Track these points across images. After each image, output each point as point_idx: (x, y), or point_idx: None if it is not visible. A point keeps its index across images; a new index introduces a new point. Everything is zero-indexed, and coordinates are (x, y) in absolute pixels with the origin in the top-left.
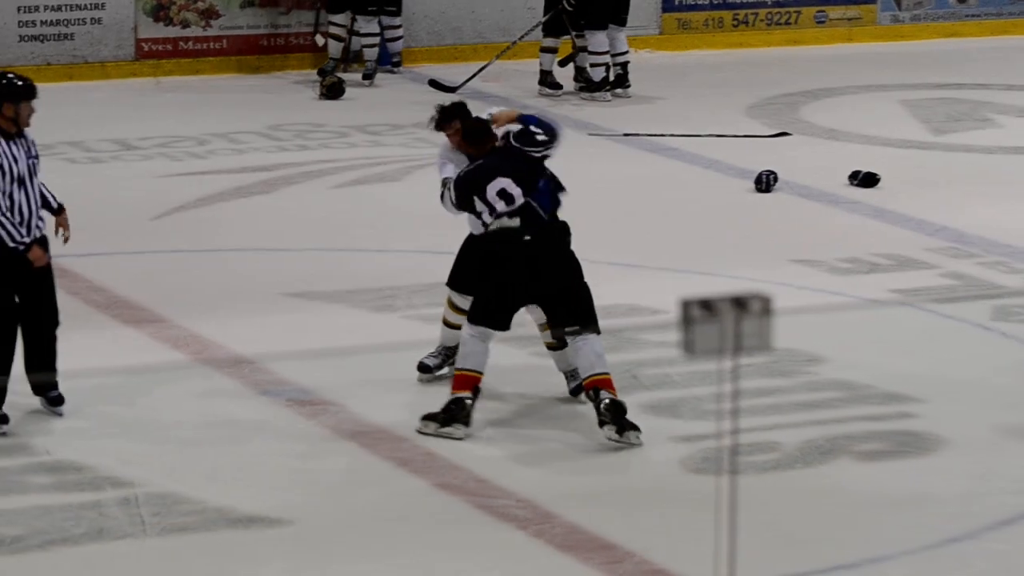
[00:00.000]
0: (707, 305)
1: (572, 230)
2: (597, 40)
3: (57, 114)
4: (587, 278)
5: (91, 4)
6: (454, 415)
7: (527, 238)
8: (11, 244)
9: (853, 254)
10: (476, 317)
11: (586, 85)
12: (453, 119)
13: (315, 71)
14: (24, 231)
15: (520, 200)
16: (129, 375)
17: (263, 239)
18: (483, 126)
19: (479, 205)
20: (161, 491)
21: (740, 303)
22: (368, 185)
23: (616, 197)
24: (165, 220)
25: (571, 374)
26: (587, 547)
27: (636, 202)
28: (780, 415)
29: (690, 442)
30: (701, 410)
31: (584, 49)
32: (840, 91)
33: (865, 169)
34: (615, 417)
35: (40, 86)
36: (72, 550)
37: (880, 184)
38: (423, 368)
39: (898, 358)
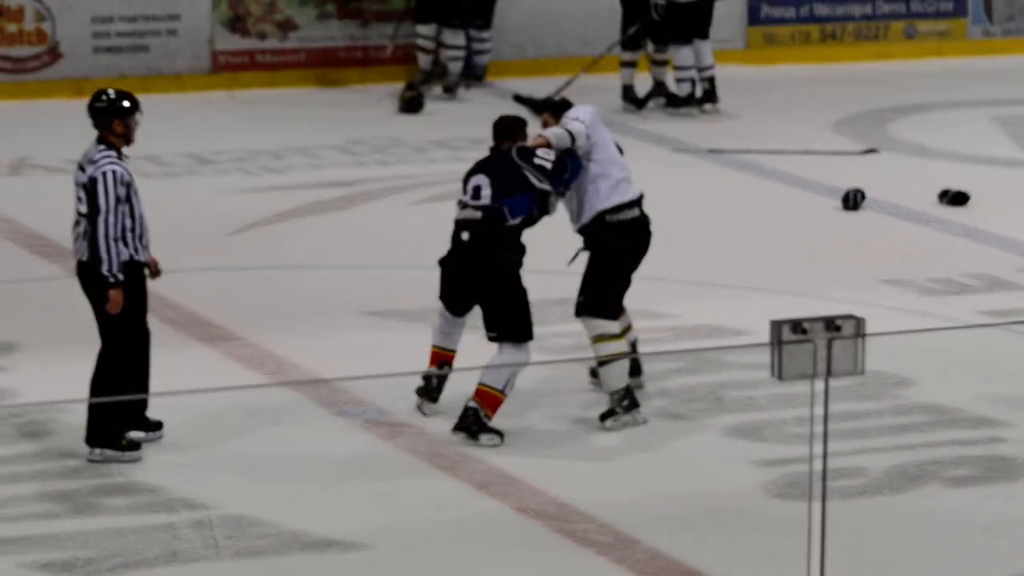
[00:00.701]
0: (799, 327)
1: (656, 247)
2: (682, 55)
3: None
4: (672, 299)
5: (167, 15)
6: (421, 390)
7: (464, 237)
8: (105, 272)
9: (943, 274)
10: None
11: (669, 100)
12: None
13: (397, 84)
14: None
15: (485, 200)
16: (204, 395)
17: (340, 256)
18: (506, 124)
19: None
20: (235, 513)
21: (832, 325)
22: (448, 201)
23: (700, 215)
24: (241, 236)
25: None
26: (670, 574)
27: (721, 220)
28: (868, 439)
29: (774, 466)
30: (786, 433)
31: (664, 63)
32: (930, 107)
33: (955, 187)
34: (463, 424)
35: None
36: (145, 573)
37: (970, 203)
38: None
39: (988, 381)
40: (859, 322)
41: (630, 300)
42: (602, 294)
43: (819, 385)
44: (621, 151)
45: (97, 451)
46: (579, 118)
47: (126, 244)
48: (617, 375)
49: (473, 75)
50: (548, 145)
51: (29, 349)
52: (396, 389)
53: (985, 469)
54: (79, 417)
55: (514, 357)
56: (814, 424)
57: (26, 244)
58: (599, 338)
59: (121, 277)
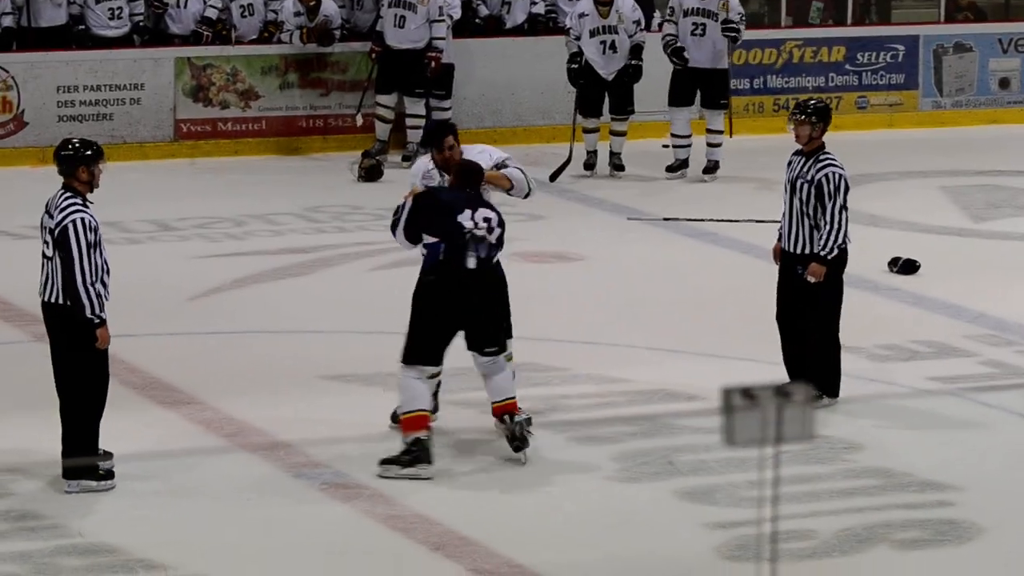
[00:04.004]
0: (749, 393)
1: (611, 313)
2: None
3: (95, 194)
4: (626, 363)
5: (130, 84)
6: (418, 456)
7: (472, 264)
8: (89, 315)
9: (892, 341)
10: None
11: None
12: (448, 135)
13: (357, 152)
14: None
15: (497, 234)
16: (164, 457)
17: (300, 321)
18: (476, 168)
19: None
20: (195, 573)
21: (782, 392)
22: (406, 267)
23: (654, 281)
24: (202, 301)
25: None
26: None
27: (674, 286)
28: (817, 502)
29: (726, 529)
30: (737, 496)
31: (619, 133)
32: (880, 177)
33: (905, 256)
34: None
35: None
36: None
37: (920, 271)
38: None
39: (937, 446)
40: (808, 390)
41: (584, 363)
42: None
43: (769, 450)
44: None
45: (75, 483)
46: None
47: (104, 285)
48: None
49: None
50: (510, 188)
51: None
52: (353, 452)
53: (934, 532)
54: (37, 479)
55: (510, 365)
56: (764, 488)
57: None
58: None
59: (104, 316)
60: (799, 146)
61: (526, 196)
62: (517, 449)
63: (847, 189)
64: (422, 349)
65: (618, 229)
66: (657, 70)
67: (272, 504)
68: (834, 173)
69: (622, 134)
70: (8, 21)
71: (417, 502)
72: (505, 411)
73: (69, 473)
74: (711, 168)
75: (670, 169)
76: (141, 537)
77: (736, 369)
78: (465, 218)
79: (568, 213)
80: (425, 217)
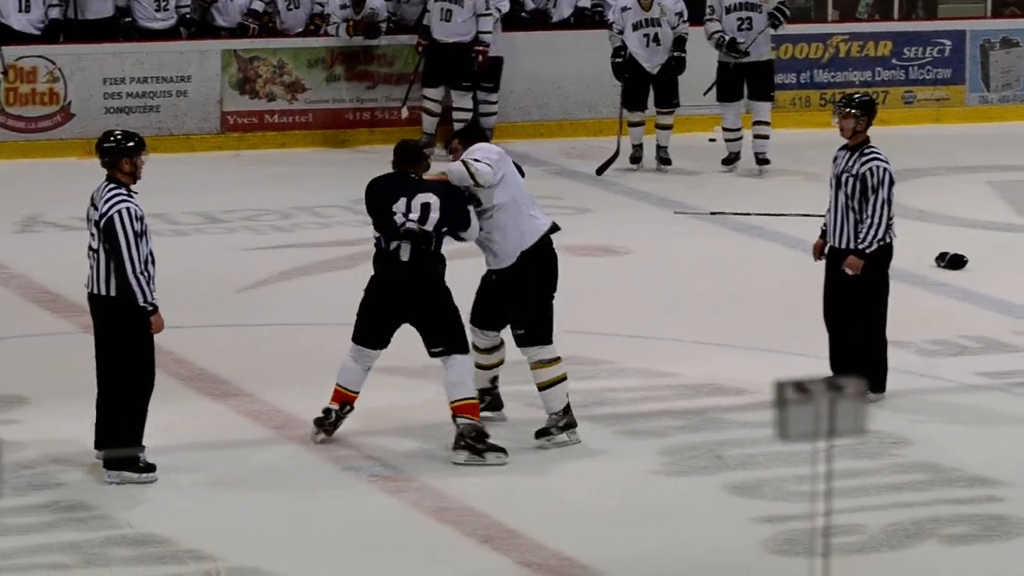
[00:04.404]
0: (801, 387)
1: (658, 306)
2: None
3: (141, 186)
4: (673, 357)
5: (177, 77)
6: (320, 421)
7: (405, 257)
8: (143, 304)
9: (940, 336)
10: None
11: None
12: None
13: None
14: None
15: (433, 223)
16: (211, 449)
17: (347, 314)
18: (414, 151)
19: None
20: (243, 565)
21: (835, 386)
22: (453, 260)
23: (700, 275)
24: (249, 293)
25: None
26: None
27: (720, 280)
28: (866, 497)
29: (773, 523)
30: (785, 491)
31: (665, 127)
32: (928, 172)
33: (952, 251)
34: (466, 444)
35: None
36: None
37: (968, 266)
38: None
39: (985, 441)
40: (861, 383)
41: (631, 357)
42: (535, 323)
43: (820, 445)
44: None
45: (115, 474)
46: (486, 159)
47: (150, 275)
48: (557, 397)
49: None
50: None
51: (39, 402)
52: (402, 444)
53: (982, 528)
54: (86, 470)
55: (466, 364)
56: (813, 483)
57: (36, 300)
58: (538, 364)
59: (157, 304)
60: (845, 141)
61: (476, 185)
62: (456, 448)
63: (892, 183)
64: (363, 333)
65: (665, 223)
66: (703, 64)
67: (320, 496)
68: (878, 167)
69: (668, 127)
70: (55, 13)
71: (465, 495)
72: (456, 413)
73: (110, 464)
74: (764, 160)
75: (726, 162)
76: (189, 528)
77: (784, 363)
78: (400, 207)
79: (615, 207)
80: (368, 207)
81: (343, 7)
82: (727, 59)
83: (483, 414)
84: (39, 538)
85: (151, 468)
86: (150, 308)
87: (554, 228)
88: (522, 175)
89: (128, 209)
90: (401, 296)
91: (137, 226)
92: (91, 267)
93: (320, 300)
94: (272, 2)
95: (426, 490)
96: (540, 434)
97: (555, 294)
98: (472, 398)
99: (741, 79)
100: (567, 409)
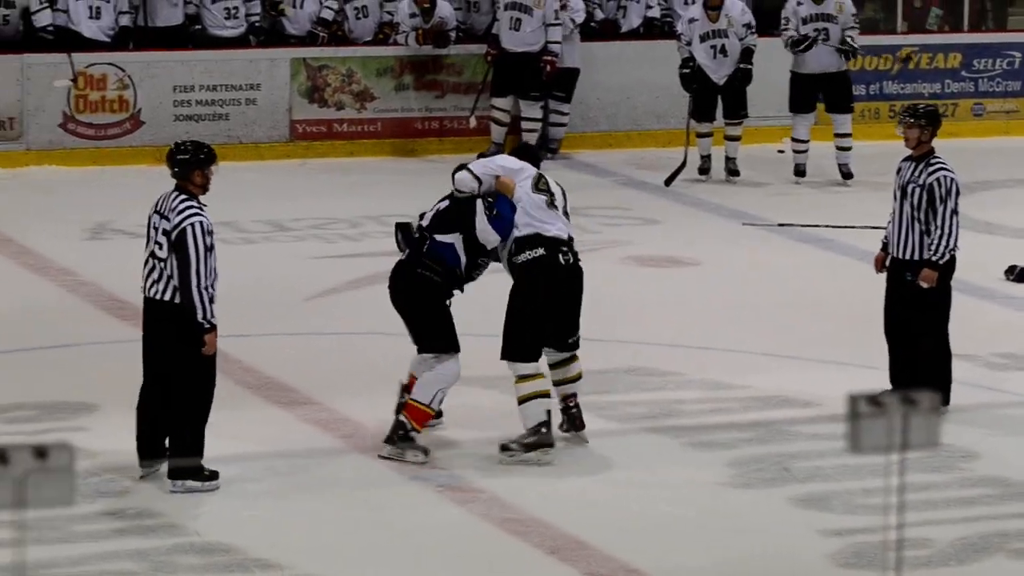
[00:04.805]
0: (875, 400)
1: (726, 318)
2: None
3: (210, 194)
4: (740, 369)
5: (246, 85)
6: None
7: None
8: (201, 319)
9: (1008, 349)
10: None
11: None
12: None
13: (472, 155)
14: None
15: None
16: (279, 458)
17: None
18: None
19: None
20: (308, 574)
21: (909, 399)
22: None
23: (768, 287)
24: (317, 302)
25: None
26: None
27: (788, 292)
28: (933, 511)
29: (841, 536)
30: (853, 504)
31: (734, 138)
32: (997, 185)
33: (1022, 264)
34: (391, 437)
35: None
36: None
37: None
38: None
39: None
40: (935, 397)
41: (698, 368)
42: (518, 338)
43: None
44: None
45: (179, 483)
46: (483, 170)
47: (213, 293)
48: (530, 413)
49: (547, 147)
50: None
51: (108, 410)
52: (470, 455)
53: None
54: (153, 478)
55: (438, 370)
56: (881, 496)
57: (105, 307)
58: (517, 379)
59: (215, 321)
60: (910, 151)
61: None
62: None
63: (958, 193)
64: None
65: (733, 234)
66: (773, 75)
67: (387, 506)
68: (945, 177)
69: (736, 139)
70: (125, 20)
71: (533, 505)
72: (404, 409)
73: (175, 473)
74: (848, 173)
75: (798, 173)
76: (256, 537)
77: (852, 376)
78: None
79: (683, 218)
80: None
81: (412, 16)
82: (800, 70)
83: (562, 434)
84: (107, 545)
85: (214, 476)
86: (207, 326)
87: (565, 242)
88: (564, 194)
89: (201, 223)
90: (390, 292)
91: (208, 240)
92: (153, 273)
93: (388, 309)
94: (341, 10)
95: (493, 501)
96: (503, 448)
97: (553, 312)
98: (424, 404)
99: (815, 91)
100: (538, 428)
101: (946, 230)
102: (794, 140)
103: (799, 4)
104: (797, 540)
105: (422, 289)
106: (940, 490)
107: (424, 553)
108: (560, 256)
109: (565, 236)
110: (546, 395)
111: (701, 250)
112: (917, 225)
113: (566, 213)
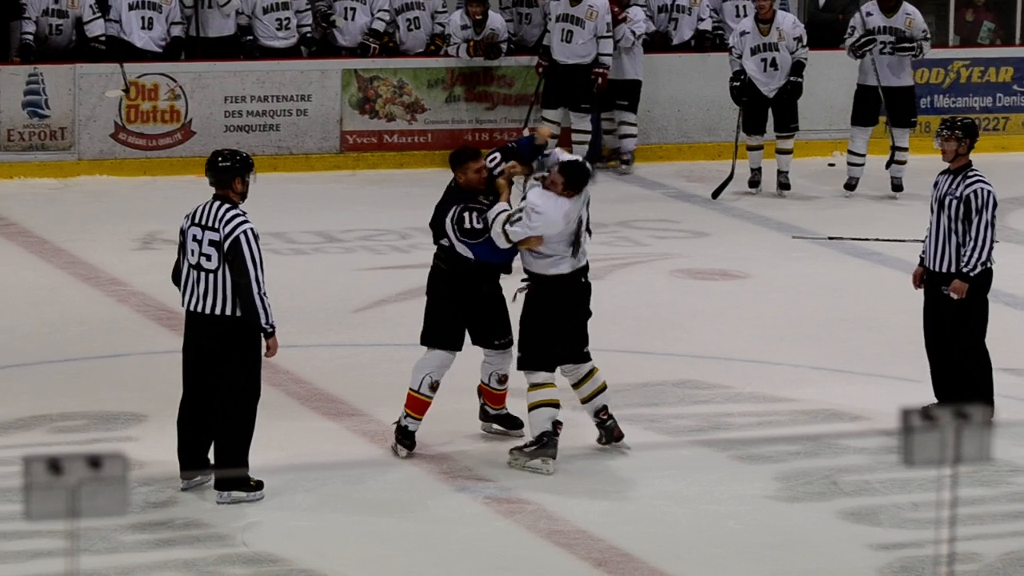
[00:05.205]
0: (927, 414)
1: (774, 332)
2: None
3: (260, 205)
4: (789, 382)
5: (297, 96)
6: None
7: None
8: (265, 324)
9: None
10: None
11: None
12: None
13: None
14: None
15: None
16: (326, 469)
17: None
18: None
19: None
20: None
21: (961, 413)
22: None
23: (818, 300)
24: (366, 313)
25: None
26: None
27: (837, 306)
28: (982, 525)
29: (889, 550)
30: (901, 518)
31: (785, 151)
32: None
33: None
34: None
35: None
36: None
37: None
38: None
39: None
40: (988, 412)
41: (747, 381)
42: (534, 348)
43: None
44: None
45: (226, 494)
46: (525, 224)
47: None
48: (537, 422)
49: (619, 159)
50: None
51: (156, 420)
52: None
53: None
54: (202, 488)
55: (425, 358)
56: (929, 509)
57: (155, 317)
58: (529, 386)
59: (276, 325)
60: (947, 164)
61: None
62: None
63: (995, 206)
64: None
65: (783, 247)
66: (823, 88)
67: (434, 517)
68: (983, 189)
69: (788, 152)
70: (177, 31)
71: (579, 518)
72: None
73: (221, 484)
74: (899, 187)
75: (848, 187)
76: (304, 548)
77: (901, 389)
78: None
79: (733, 231)
80: None
81: (464, 27)
82: (867, 83)
83: (600, 446)
84: (156, 555)
85: (260, 486)
86: (270, 329)
87: (583, 270)
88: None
89: (252, 230)
90: None
91: (259, 246)
92: (199, 286)
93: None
94: (393, 22)
95: (540, 512)
96: (513, 450)
97: (572, 324)
98: (414, 391)
99: (879, 104)
100: (541, 437)
101: (979, 242)
102: (851, 153)
103: (868, 15)
104: (845, 554)
105: (431, 279)
106: (989, 504)
107: (471, 564)
108: (582, 277)
109: (584, 263)
110: (555, 405)
111: (750, 263)
112: (954, 238)
113: (588, 229)
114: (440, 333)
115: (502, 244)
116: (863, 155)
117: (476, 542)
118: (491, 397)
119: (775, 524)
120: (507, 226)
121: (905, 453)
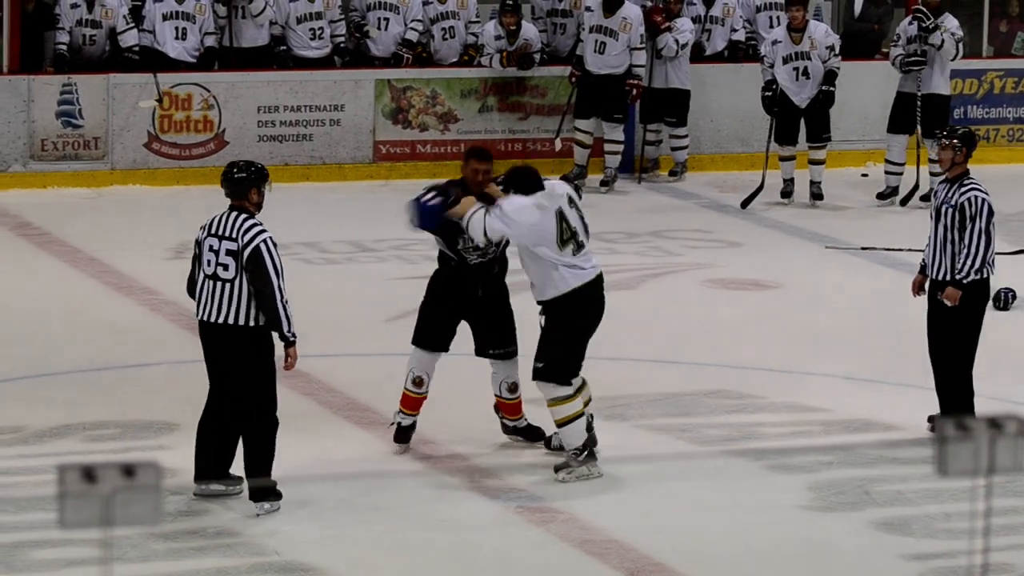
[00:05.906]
0: (962, 424)
1: (806, 341)
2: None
3: (293, 214)
4: (822, 392)
5: (330, 106)
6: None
7: None
8: (287, 333)
9: None
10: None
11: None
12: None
13: (554, 177)
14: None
15: None
16: (359, 478)
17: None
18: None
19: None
20: None
21: (995, 423)
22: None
23: (850, 310)
24: (399, 323)
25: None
26: None
27: (870, 316)
28: (1014, 535)
29: (922, 560)
30: (934, 528)
31: (818, 161)
32: None
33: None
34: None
35: (277, 186)
36: None
37: None
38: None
39: None
40: (1022, 422)
41: (780, 391)
42: (558, 361)
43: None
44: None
45: (266, 505)
46: (502, 219)
47: None
48: (575, 434)
49: (672, 170)
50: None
51: (188, 429)
52: (550, 475)
53: None
54: (233, 497)
55: (412, 356)
56: (962, 520)
57: (188, 327)
58: (555, 401)
59: (297, 335)
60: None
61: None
62: None
63: (991, 214)
64: None
65: (815, 257)
66: (856, 98)
67: (466, 526)
68: (977, 197)
69: (820, 162)
70: (211, 41)
71: (611, 527)
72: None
73: (256, 495)
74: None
75: (881, 196)
76: (335, 557)
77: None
78: None
79: (765, 241)
80: None
81: (498, 38)
82: (905, 90)
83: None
84: (188, 564)
85: (280, 495)
86: (292, 338)
87: (599, 279)
88: (582, 218)
89: (271, 239)
90: None
91: (279, 255)
92: (215, 296)
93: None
94: (427, 32)
95: (572, 522)
96: (559, 468)
97: (591, 336)
98: (406, 389)
99: (916, 112)
100: (586, 444)
101: (972, 250)
102: (888, 162)
103: (910, 24)
104: (877, 564)
105: (430, 280)
106: (1019, 515)
107: (503, 573)
108: (598, 290)
109: (593, 276)
110: (582, 415)
111: (783, 273)
112: (950, 246)
113: (586, 229)
114: (422, 332)
115: (479, 238)
116: (901, 164)
117: (508, 551)
118: (507, 408)
119: (808, 534)
120: (487, 218)
121: (939, 463)
